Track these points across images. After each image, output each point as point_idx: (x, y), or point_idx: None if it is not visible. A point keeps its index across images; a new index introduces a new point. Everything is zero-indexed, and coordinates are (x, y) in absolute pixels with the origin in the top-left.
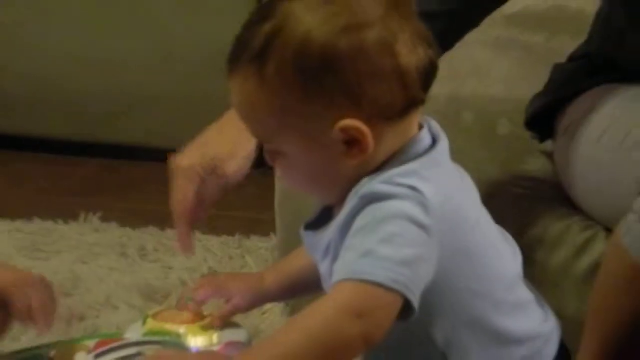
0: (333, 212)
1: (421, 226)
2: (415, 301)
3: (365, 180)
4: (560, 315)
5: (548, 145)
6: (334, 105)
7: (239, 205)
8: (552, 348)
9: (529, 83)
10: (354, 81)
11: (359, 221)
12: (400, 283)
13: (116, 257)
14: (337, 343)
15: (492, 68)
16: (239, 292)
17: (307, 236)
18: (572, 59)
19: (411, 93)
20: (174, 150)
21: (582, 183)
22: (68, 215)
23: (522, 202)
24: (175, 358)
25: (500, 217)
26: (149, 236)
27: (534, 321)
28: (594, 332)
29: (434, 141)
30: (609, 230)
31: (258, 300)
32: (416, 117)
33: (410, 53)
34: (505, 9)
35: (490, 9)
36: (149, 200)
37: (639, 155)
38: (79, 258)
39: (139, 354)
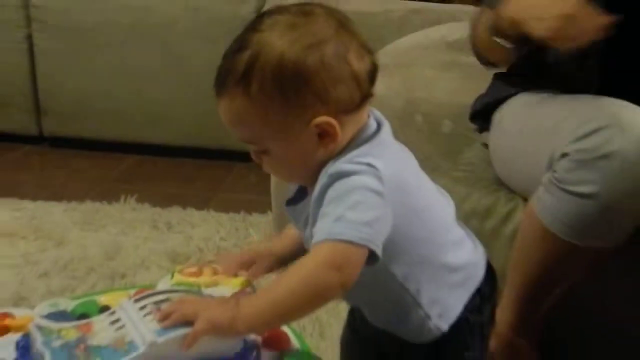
0: (307, 190)
1: (378, 193)
2: (379, 251)
3: (331, 162)
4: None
5: (485, 137)
6: (307, 107)
7: (243, 189)
8: (481, 270)
9: (465, 93)
10: (321, 86)
11: (330, 194)
12: (365, 239)
13: (149, 229)
14: (320, 289)
15: (438, 82)
16: (256, 259)
17: (288, 210)
18: (498, 75)
19: (363, 90)
20: (192, 148)
21: (508, 164)
22: (112, 198)
23: (461, 182)
24: (194, 301)
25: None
26: (174, 214)
27: (467, 252)
28: (514, 281)
29: (379, 125)
30: (526, 200)
31: (273, 265)
32: (367, 109)
33: (359, 60)
34: (446, 36)
35: None
36: (174, 186)
37: (547, 142)
38: (120, 230)
39: (167, 299)
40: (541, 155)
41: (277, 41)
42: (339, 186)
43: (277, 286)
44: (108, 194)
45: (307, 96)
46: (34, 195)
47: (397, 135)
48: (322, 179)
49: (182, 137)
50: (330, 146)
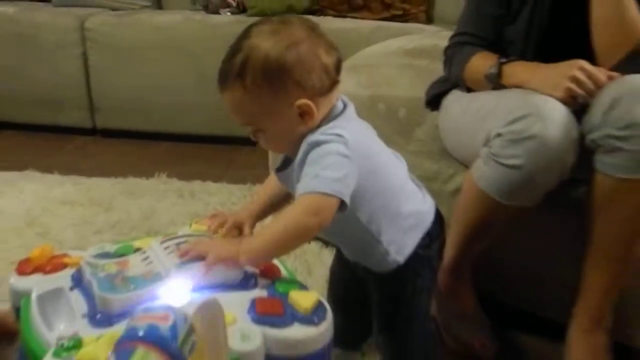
0: (292, 159)
1: (345, 156)
2: (347, 200)
3: (309, 135)
4: None
5: (436, 117)
6: (290, 93)
7: (249, 166)
8: (430, 216)
9: (416, 88)
10: (299, 76)
11: (309, 158)
12: (336, 191)
13: (176, 198)
14: (302, 230)
15: (396, 80)
16: (243, 217)
17: (278, 175)
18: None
19: (332, 78)
20: (210, 136)
21: (453, 139)
22: (148, 174)
23: (413, 153)
24: (207, 242)
25: None
26: (196, 186)
27: (417, 203)
28: (456, 229)
29: (345, 106)
30: (466, 167)
31: (255, 220)
32: (336, 93)
33: (327, 55)
34: (403, 46)
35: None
36: (196, 165)
37: (484, 123)
38: (155, 199)
39: (185, 241)
40: (479, 133)
41: (262, 44)
42: (315, 152)
43: (269, 229)
44: (145, 172)
45: (289, 84)
46: (89, 173)
47: (364, 119)
48: (303, 148)
49: (202, 127)
50: (309, 122)
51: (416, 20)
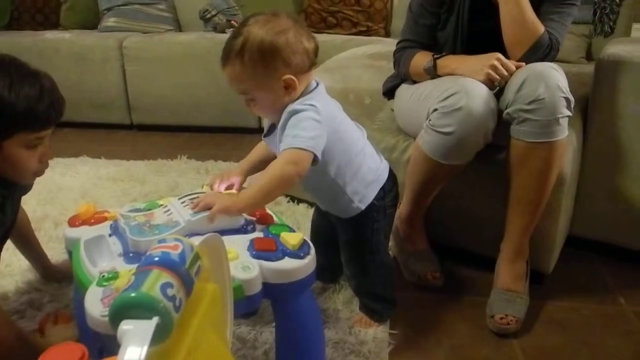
0: (275, 125)
1: (317, 121)
2: (319, 155)
3: (290, 105)
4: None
5: (391, 104)
6: (278, 69)
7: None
8: (385, 173)
9: (377, 82)
10: (286, 56)
11: (289, 123)
12: (311, 147)
13: (194, 174)
14: (285, 177)
15: (362, 76)
16: (235, 176)
17: (265, 139)
18: None
19: (311, 60)
20: (222, 127)
21: (404, 118)
22: (173, 157)
23: (377, 131)
24: (212, 195)
25: (369, 139)
26: (209, 165)
27: (375, 162)
28: (408, 187)
29: (317, 84)
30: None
31: (245, 175)
32: (312, 73)
33: (308, 42)
34: (367, 51)
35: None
36: (210, 149)
37: (425, 103)
38: (178, 175)
39: (197, 197)
40: (422, 112)
41: (258, 30)
42: (294, 118)
43: (260, 179)
44: (170, 155)
45: (278, 62)
46: (128, 157)
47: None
48: (284, 115)
49: (215, 120)
50: (291, 94)
51: (377, 34)
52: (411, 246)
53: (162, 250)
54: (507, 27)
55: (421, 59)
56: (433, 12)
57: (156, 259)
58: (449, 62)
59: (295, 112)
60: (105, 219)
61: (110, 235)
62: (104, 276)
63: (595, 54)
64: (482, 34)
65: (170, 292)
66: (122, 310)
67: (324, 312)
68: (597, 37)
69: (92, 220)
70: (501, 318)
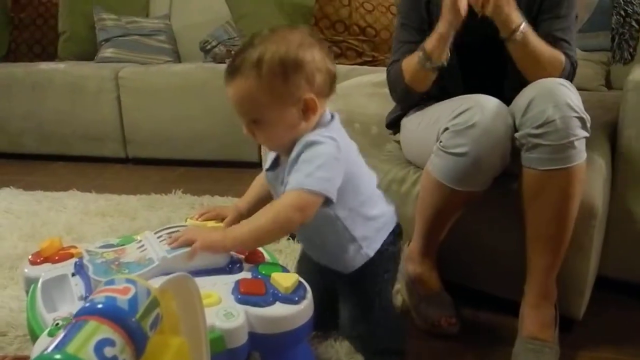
0: (279, 161)
1: (336, 159)
2: (334, 197)
3: (305, 136)
4: (406, 217)
5: (397, 137)
6: (300, 86)
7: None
8: (394, 218)
9: (383, 111)
10: (310, 74)
11: (303, 156)
12: (325, 190)
13: (188, 209)
14: (285, 223)
15: (367, 104)
16: (227, 212)
17: (268, 174)
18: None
19: (332, 85)
20: (219, 161)
21: (412, 149)
22: (167, 191)
23: (385, 162)
24: (195, 230)
25: (374, 170)
26: (205, 200)
27: (384, 206)
28: (418, 221)
29: (332, 116)
30: None
31: (240, 217)
32: (326, 103)
33: (331, 63)
34: (372, 80)
35: None
36: (206, 184)
37: (434, 128)
38: (171, 210)
39: (177, 231)
40: (432, 137)
41: (281, 41)
42: (310, 151)
43: (256, 218)
44: (164, 190)
45: (301, 78)
46: (120, 191)
47: None
48: (298, 147)
49: (213, 153)
50: (310, 119)
51: (383, 64)
52: (422, 288)
53: (106, 294)
54: (528, 70)
55: (410, 58)
56: (416, 29)
57: (97, 306)
58: (431, 36)
59: (312, 143)
60: (72, 255)
61: (73, 275)
62: (57, 324)
63: (614, 81)
64: (474, 43)
65: (109, 352)
66: None
67: None
68: (616, 65)
69: (57, 257)
70: None
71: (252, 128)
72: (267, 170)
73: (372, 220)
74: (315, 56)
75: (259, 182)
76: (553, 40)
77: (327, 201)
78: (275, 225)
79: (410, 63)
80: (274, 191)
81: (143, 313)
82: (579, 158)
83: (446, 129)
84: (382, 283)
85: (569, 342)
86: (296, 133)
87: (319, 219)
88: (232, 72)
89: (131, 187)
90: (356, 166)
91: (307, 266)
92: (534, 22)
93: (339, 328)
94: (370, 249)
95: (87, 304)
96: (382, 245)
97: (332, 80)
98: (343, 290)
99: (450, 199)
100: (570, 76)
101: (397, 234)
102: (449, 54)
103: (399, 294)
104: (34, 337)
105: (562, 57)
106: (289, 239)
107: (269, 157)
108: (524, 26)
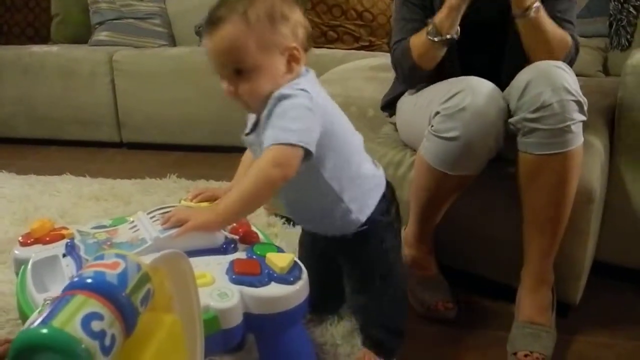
0: (258, 123)
1: (310, 109)
2: (313, 150)
3: (277, 90)
4: (402, 201)
5: (393, 119)
6: (286, 36)
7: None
8: (384, 181)
9: (380, 94)
10: (294, 26)
11: (276, 111)
12: (303, 141)
13: (183, 194)
14: (269, 183)
15: (364, 88)
16: (221, 193)
17: (247, 139)
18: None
19: (309, 43)
20: (213, 145)
21: (407, 131)
22: (162, 176)
23: (381, 145)
24: (186, 210)
25: (371, 153)
26: (200, 184)
27: (372, 167)
28: (413, 205)
29: (307, 70)
30: None
31: None
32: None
33: (308, 25)
34: (369, 63)
35: None
36: (201, 169)
37: (427, 111)
38: (166, 194)
39: (169, 211)
40: (425, 122)
41: None
42: (282, 105)
43: (240, 185)
44: (159, 174)
45: (287, 29)
46: (115, 176)
47: None
48: (271, 102)
49: (209, 138)
50: (293, 72)
51: (380, 49)
52: (419, 272)
53: (95, 269)
54: (536, 50)
55: (418, 35)
56: (419, 6)
57: (86, 280)
58: (441, 9)
59: (284, 97)
60: (63, 237)
61: (64, 256)
62: (48, 304)
63: (612, 67)
64: (478, 22)
65: (96, 325)
66: (26, 354)
67: (320, 348)
68: (614, 51)
69: (47, 239)
70: (525, 355)
71: (234, 81)
72: (247, 134)
73: (357, 179)
74: (297, 12)
75: (247, 158)
76: (557, 22)
77: (307, 155)
78: (259, 186)
79: (418, 39)
80: (254, 155)
81: (133, 288)
82: (576, 142)
83: (437, 112)
84: (379, 252)
85: (565, 327)
86: (277, 85)
87: (302, 178)
88: (216, 21)
89: (125, 171)
90: (336, 122)
91: (308, 250)
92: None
93: (342, 305)
94: (361, 214)
95: (75, 279)
96: (374, 214)
97: (310, 37)
98: (342, 260)
99: (443, 183)
100: (573, 58)
101: (390, 202)
102: (459, 29)
103: None
104: (24, 318)
105: (569, 39)
106: (284, 222)
107: (249, 121)
108: (537, 4)
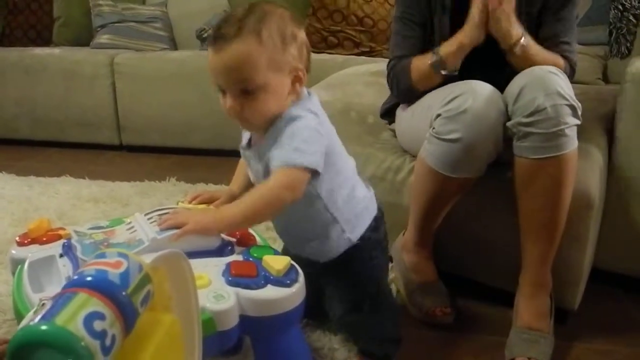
0: (252, 140)
1: (318, 131)
2: (321, 169)
3: (288, 110)
4: (402, 206)
5: (392, 127)
6: (294, 58)
7: None
8: (375, 204)
9: (380, 100)
10: (300, 48)
11: (286, 131)
12: (314, 164)
13: (182, 196)
14: (276, 203)
15: (364, 93)
16: (219, 195)
17: (245, 153)
18: None
19: (309, 66)
20: (213, 149)
21: (407, 137)
22: (161, 179)
23: (381, 150)
24: (185, 212)
25: (370, 159)
26: (199, 187)
27: (365, 190)
28: (413, 209)
29: (310, 94)
30: None
31: (233, 199)
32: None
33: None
34: (370, 69)
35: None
36: (200, 172)
37: (427, 115)
38: (165, 196)
39: (167, 213)
40: (425, 127)
41: (274, 11)
42: (293, 126)
43: (246, 199)
44: (159, 177)
45: (295, 50)
46: (114, 178)
47: (340, 124)
48: (281, 122)
49: (208, 142)
50: (296, 93)
51: (380, 55)
52: (418, 278)
53: (97, 267)
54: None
55: (421, 60)
56: (417, 23)
57: (88, 278)
58: (449, 42)
59: (294, 118)
60: (60, 237)
61: (61, 256)
62: (44, 304)
63: (611, 76)
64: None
65: (98, 325)
66: (26, 351)
67: (317, 353)
68: (613, 59)
69: (44, 239)
70: None
71: (240, 99)
72: (242, 148)
73: (352, 201)
74: (302, 31)
75: (243, 164)
76: (554, 43)
77: (313, 175)
78: (267, 206)
79: (421, 64)
80: (249, 167)
81: (134, 288)
82: (571, 146)
83: (438, 115)
84: (369, 269)
85: (563, 333)
86: (282, 107)
87: (301, 201)
88: (227, 38)
89: (125, 174)
90: (335, 145)
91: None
92: (537, 19)
93: (329, 320)
94: (353, 235)
95: (77, 276)
96: (365, 232)
97: (310, 56)
98: (329, 283)
99: (444, 186)
100: (569, 76)
101: (379, 221)
102: (460, 63)
103: (393, 283)
104: (20, 318)
105: (562, 62)
106: None
107: (243, 137)
108: (523, 39)
